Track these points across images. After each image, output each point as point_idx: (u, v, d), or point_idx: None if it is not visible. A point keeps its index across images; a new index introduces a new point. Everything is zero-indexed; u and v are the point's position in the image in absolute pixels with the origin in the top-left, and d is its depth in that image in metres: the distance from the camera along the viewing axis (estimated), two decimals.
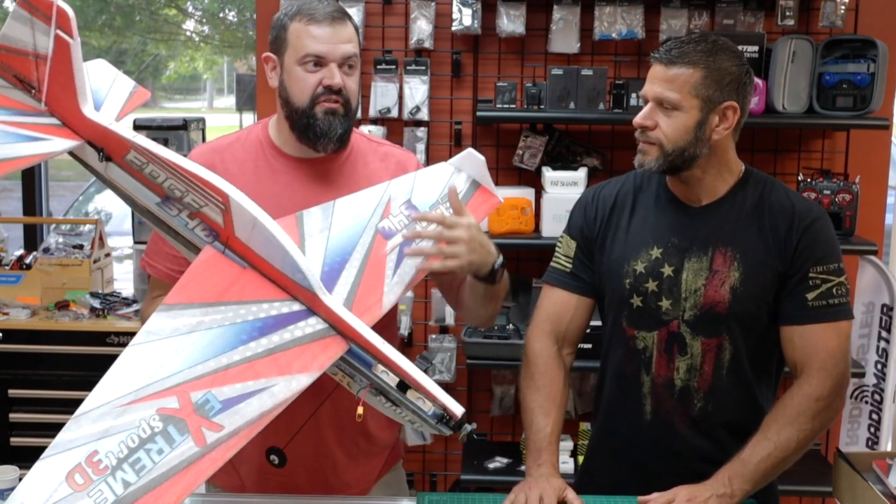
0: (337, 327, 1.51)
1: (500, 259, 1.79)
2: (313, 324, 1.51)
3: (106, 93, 1.77)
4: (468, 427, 1.54)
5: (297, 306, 1.52)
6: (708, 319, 1.90)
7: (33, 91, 1.62)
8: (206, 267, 1.53)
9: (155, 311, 1.45)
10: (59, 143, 1.61)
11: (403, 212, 1.78)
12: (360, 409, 1.54)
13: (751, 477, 1.80)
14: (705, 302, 1.89)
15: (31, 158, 1.58)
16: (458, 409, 1.52)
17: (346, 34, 1.81)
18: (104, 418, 1.32)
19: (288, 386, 1.42)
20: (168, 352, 1.40)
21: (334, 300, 1.54)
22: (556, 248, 2.07)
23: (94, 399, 1.34)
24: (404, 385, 1.51)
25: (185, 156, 1.97)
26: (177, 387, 1.37)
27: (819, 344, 1.85)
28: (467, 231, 1.72)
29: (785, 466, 1.84)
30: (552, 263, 2.07)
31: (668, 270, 1.92)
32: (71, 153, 1.65)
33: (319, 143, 1.83)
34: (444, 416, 1.52)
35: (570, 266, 2.03)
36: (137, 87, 1.84)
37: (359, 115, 3.28)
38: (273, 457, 1.64)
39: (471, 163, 1.88)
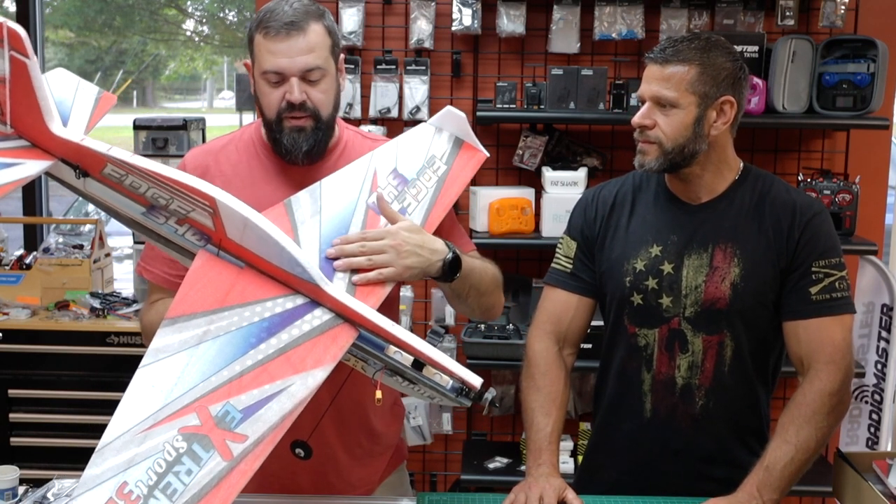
0: (344, 315, 1.50)
1: (450, 255, 1.71)
2: (319, 315, 1.49)
3: (71, 103, 1.70)
4: (488, 396, 1.53)
5: (300, 300, 1.50)
6: (709, 316, 1.90)
7: None
8: (202, 273, 1.51)
9: (159, 327, 1.43)
10: (33, 166, 1.55)
11: (392, 182, 1.75)
12: (378, 394, 1.53)
13: (778, 485, 1.78)
14: (706, 299, 1.89)
15: (5, 187, 1.50)
16: (475, 381, 1.50)
17: (305, 44, 1.73)
18: (127, 447, 1.30)
19: (304, 383, 1.40)
20: (179, 368, 1.38)
21: (337, 288, 1.52)
22: (557, 250, 2.08)
23: (114, 429, 1.31)
24: (419, 363, 1.50)
25: (182, 157, 1.98)
26: (194, 402, 1.35)
27: (825, 337, 1.85)
28: (393, 237, 1.65)
29: (806, 468, 1.82)
30: (553, 264, 2.07)
31: (667, 268, 1.92)
32: (46, 172, 1.58)
33: (288, 159, 1.82)
34: (462, 389, 1.51)
35: (570, 266, 2.04)
36: (102, 92, 1.77)
37: (359, 115, 3.31)
38: (298, 450, 1.63)
39: (451, 120, 1.85)
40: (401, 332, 1.50)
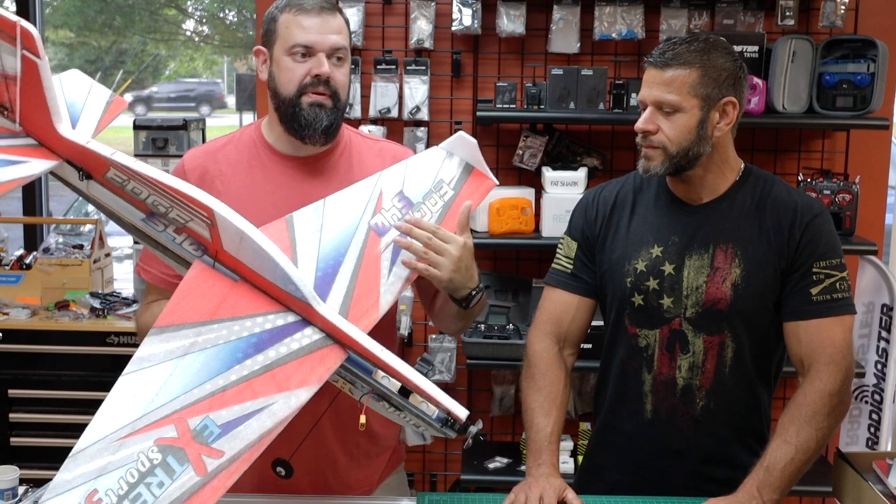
0: (334, 336, 1.49)
1: (477, 290, 1.79)
2: (309, 334, 1.48)
3: (82, 105, 1.71)
4: (473, 430, 1.53)
5: (291, 317, 1.49)
6: (710, 317, 1.90)
7: (6, 112, 1.57)
8: (196, 284, 1.50)
9: (147, 334, 1.43)
10: (37, 165, 1.55)
11: (396, 204, 1.75)
12: (362, 419, 1.52)
13: (778, 485, 1.78)
14: (707, 299, 1.89)
15: (9, 184, 1.51)
16: (461, 413, 1.50)
17: (336, 25, 1.81)
18: (102, 454, 1.29)
19: (287, 403, 1.39)
20: (162, 378, 1.37)
21: (329, 308, 1.51)
22: (558, 250, 2.08)
23: (91, 435, 1.30)
24: (406, 390, 1.49)
25: (180, 157, 1.99)
26: (174, 414, 1.33)
27: (825, 338, 1.85)
28: (458, 249, 1.71)
29: (806, 468, 1.82)
30: (553, 265, 2.07)
31: (668, 269, 1.92)
32: (51, 172, 1.60)
33: (305, 134, 1.82)
34: (448, 420, 1.50)
35: (570, 267, 2.04)
36: (114, 95, 1.79)
37: (359, 115, 3.31)
38: (279, 469, 1.62)
39: (463, 146, 1.84)
40: (390, 357, 1.49)
